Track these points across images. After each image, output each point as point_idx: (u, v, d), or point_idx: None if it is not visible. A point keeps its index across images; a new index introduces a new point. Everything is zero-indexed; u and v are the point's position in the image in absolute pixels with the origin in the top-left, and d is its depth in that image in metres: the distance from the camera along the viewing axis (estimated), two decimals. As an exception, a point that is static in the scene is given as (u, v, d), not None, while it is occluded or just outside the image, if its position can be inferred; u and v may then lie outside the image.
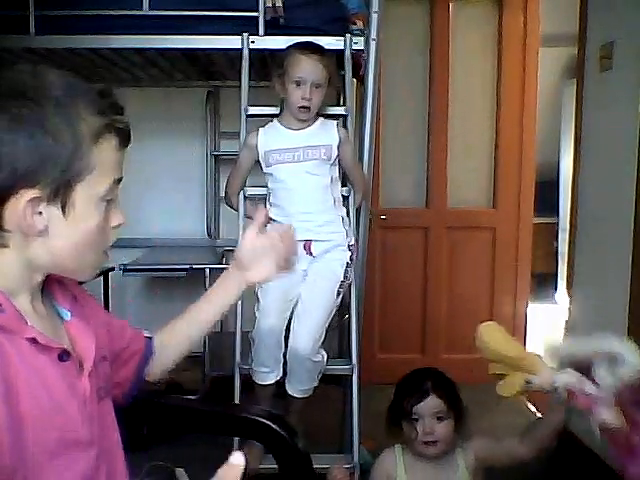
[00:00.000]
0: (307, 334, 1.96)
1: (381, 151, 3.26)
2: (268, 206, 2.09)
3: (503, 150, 3.47)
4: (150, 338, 1.13)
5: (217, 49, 2.33)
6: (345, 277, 2.06)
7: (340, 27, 2.24)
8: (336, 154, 2.04)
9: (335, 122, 2.11)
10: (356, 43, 2.20)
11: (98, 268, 0.91)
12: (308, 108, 1.98)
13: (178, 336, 1.16)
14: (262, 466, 1.91)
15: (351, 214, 2.15)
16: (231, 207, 2.24)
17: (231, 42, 2.21)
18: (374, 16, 2.14)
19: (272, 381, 2.00)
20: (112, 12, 2.19)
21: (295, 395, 2.01)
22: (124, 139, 0.85)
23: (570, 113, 3.12)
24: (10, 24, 2.17)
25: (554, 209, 4.92)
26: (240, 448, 1.99)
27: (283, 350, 1.98)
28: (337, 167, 2.09)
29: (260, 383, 2.01)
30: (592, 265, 2.58)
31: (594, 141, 2.58)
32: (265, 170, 2.06)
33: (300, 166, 2.02)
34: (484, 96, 3.48)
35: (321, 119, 2.07)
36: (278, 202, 2.06)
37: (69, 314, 0.91)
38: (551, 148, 4.90)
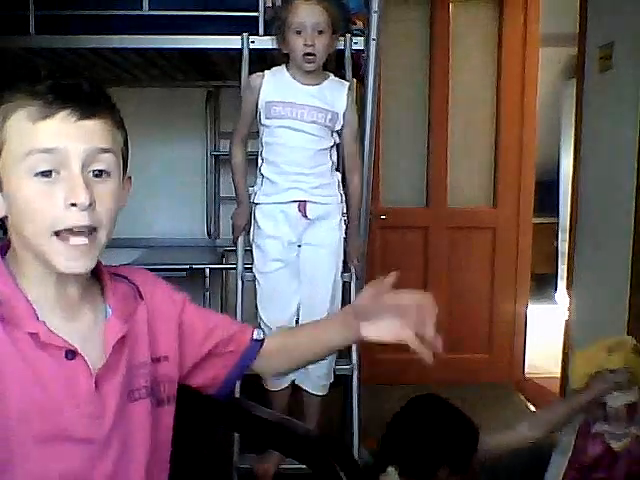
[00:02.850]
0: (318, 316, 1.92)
1: (381, 151, 3.26)
2: (260, 161, 1.99)
3: (503, 150, 3.46)
4: (258, 341, 1.08)
5: (217, 49, 2.32)
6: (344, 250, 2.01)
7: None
8: (342, 123, 1.95)
9: (347, 84, 2.00)
10: (356, 43, 2.19)
11: (66, 256, 0.82)
12: (313, 55, 1.87)
13: (297, 350, 1.11)
14: (283, 466, 1.91)
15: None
16: (233, 171, 2.05)
17: (231, 42, 2.20)
18: (374, 16, 2.13)
19: (287, 384, 1.98)
20: (112, 12, 2.19)
21: (312, 391, 1.99)
22: (42, 109, 0.81)
23: (570, 113, 3.12)
24: (10, 24, 2.17)
25: (554, 209, 4.92)
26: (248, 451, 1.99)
27: None
28: (337, 134, 1.99)
29: (274, 389, 1.98)
30: (592, 265, 2.58)
31: (594, 141, 2.58)
32: (263, 122, 1.94)
33: (302, 125, 1.90)
34: (484, 96, 3.48)
35: (331, 77, 1.98)
36: (272, 158, 1.94)
37: (110, 312, 0.92)
38: (551, 148, 4.89)
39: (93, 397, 0.86)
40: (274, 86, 1.92)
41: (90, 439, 0.86)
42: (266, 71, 1.96)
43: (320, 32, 1.86)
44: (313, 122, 1.90)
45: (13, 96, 0.82)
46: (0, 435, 0.81)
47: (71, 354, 0.85)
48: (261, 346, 1.08)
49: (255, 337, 1.07)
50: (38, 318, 0.84)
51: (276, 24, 1.93)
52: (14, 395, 0.81)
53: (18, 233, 0.85)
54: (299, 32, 1.86)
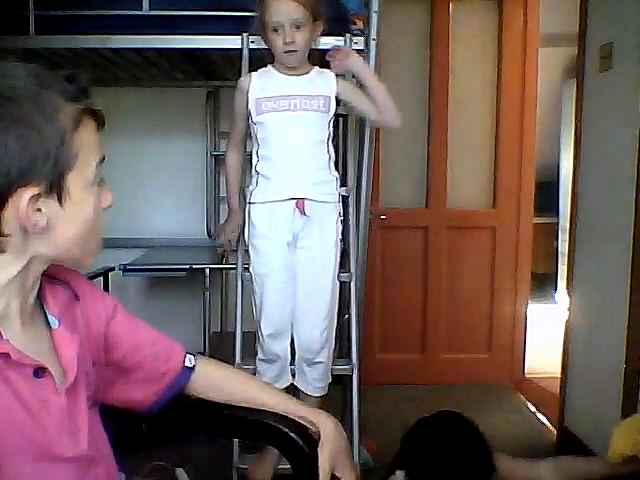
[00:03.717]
0: (315, 328, 1.92)
1: (381, 151, 3.26)
2: (255, 159, 1.94)
3: (503, 150, 3.47)
4: (190, 368, 1.07)
5: (217, 49, 2.33)
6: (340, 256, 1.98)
7: (340, 27, 2.24)
8: (335, 106, 1.92)
9: (333, 73, 1.97)
10: (356, 43, 2.20)
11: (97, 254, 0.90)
12: (294, 51, 1.84)
13: (223, 388, 1.10)
14: (280, 466, 1.91)
15: (351, 213, 2.13)
16: (226, 175, 2.05)
17: (231, 42, 2.21)
18: (374, 16, 2.13)
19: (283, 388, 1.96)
20: (112, 12, 2.20)
21: (309, 393, 1.97)
22: (100, 120, 0.85)
23: (570, 113, 3.13)
24: (10, 24, 2.17)
25: (554, 209, 4.92)
26: (248, 451, 1.99)
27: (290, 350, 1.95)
28: (332, 125, 1.96)
29: None
30: (592, 265, 2.58)
31: (594, 141, 2.58)
32: (255, 119, 1.89)
33: (297, 116, 1.87)
34: (484, 96, 3.48)
35: (317, 68, 1.96)
36: (268, 154, 1.89)
37: (57, 322, 0.88)
38: (551, 148, 4.90)
39: (66, 413, 0.84)
40: (262, 83, 1.90)
41: (76, 456, 0.84)
42: (253, 72, 1.95)
43: (298, 27, 1.82)
44: (305, 110, 1.87)
45: (74, 105, 0.80)
46: None
47: (40, 371, 0.82)
48: (192, 372, 1.07)
49: (187, 364, 1.07)
50: (2, 336, 0.80)
51: (256, 22, 1.90)
52: (1, 420, 0.77)
53: (60, 241, 0.82)
54: (276, 30, 1.83)
